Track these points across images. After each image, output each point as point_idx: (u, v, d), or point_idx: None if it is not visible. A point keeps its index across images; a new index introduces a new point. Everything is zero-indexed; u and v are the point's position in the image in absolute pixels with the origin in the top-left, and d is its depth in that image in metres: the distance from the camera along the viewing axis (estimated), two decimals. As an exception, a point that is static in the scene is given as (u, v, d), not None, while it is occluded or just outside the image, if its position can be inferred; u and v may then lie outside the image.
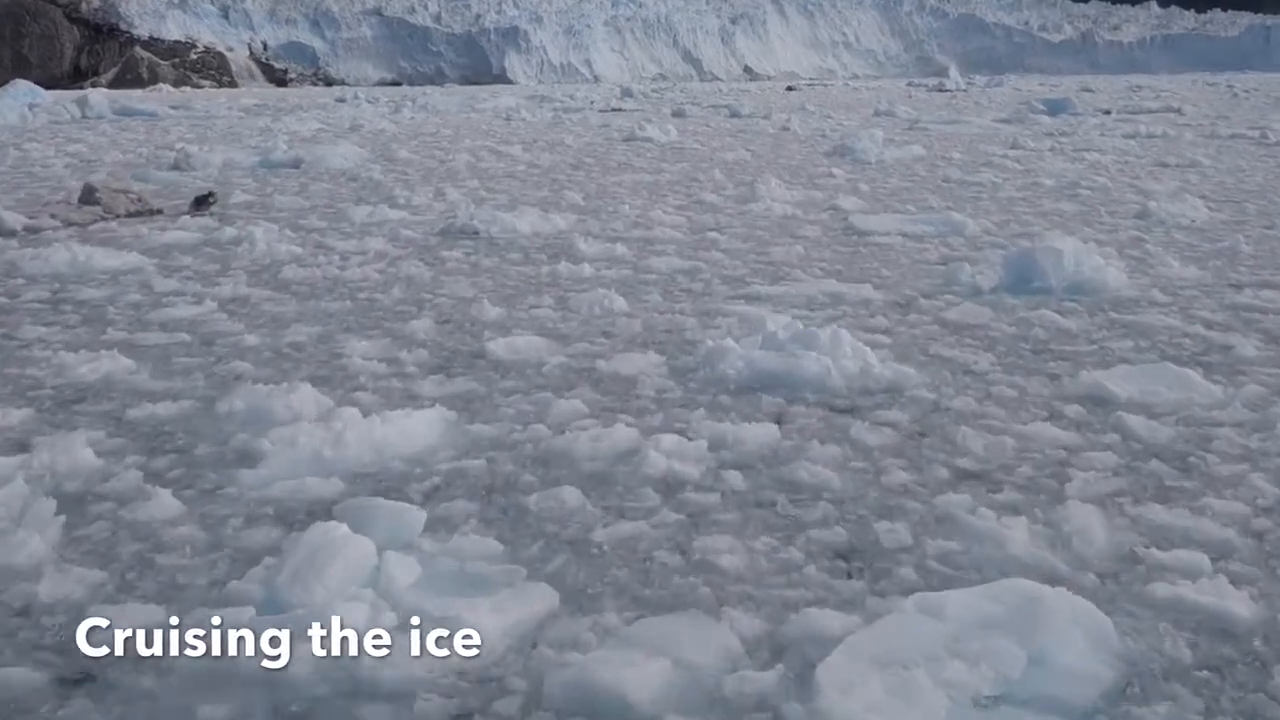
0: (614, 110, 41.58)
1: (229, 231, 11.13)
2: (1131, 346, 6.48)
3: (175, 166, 18.25)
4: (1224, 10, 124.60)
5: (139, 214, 13.09)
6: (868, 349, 5.93)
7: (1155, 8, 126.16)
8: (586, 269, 9.01)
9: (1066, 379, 5.74)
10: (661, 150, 20.36)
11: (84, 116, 38.64)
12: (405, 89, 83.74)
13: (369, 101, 48.41)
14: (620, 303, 7.69)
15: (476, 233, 11.08)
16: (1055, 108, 33.10)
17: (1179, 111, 33.92)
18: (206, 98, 63.36)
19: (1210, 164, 17.02)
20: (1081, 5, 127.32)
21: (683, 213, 12.59)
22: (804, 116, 33.30)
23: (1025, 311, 7.39)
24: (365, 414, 5.04)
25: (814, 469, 4.44)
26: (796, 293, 8.10)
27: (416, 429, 4.90)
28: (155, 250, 10.39)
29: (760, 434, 4.86)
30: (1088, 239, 10.27)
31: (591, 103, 46.61)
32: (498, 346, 6.47)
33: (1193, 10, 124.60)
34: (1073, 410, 5.22)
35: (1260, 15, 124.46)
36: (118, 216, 12.88)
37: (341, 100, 50.86)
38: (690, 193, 14.42)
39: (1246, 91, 51.39)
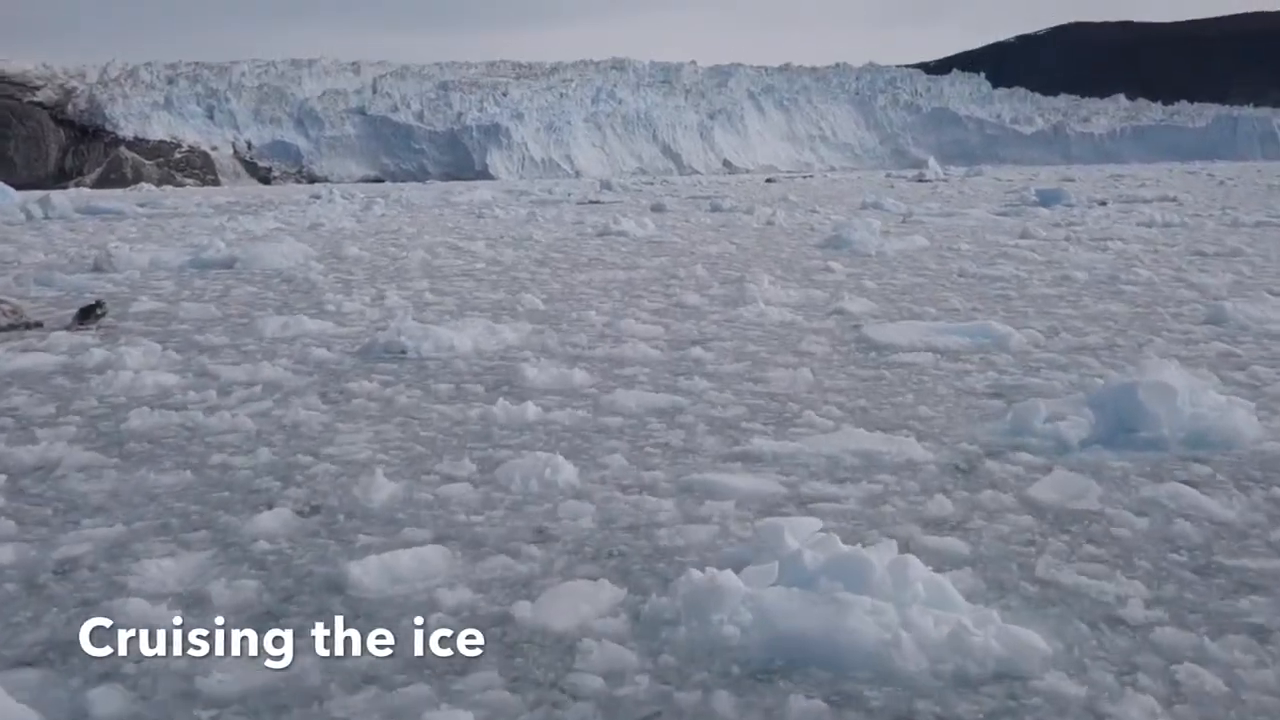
0: (592, 203, 39.88)
1: (98, 354, 8.79)
2: (1347, 558, 4.12)
3: (95, 268, 15.97)
4: (1191, 102, 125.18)
5: (11, 328, 10.74)
6: (950, 586, 3.57)
7: (1124, 100, 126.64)
8: (530, 411, 6.65)
9: (1293, 641, 3.38)
10: (637, 245, 18.17)
11: (45, 216, 36.45)
12: (386, 185, 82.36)
13: (344, 198, 46.43)
14: (568, 472, 5.33)
15: (404, 352, 8.76)
16: (1049, 199, 31.26)
17: (1176, 200, 32.20)
18: (181, 195, 61.57)
19: (1254, 252, 14.90)
20: (1052, 99, 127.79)
21: (660, 320, 10.33)
22: (788, 209, 31.40)
23: (1147, 485, 5.04)
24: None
25: None
26: (813, 450, 5.73)
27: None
28: (-8, 383, 8.02)
29: (798, 827, 2.46)
30: (1163, 352, 8.02)
31: (569, 195, 44.85)
32: (368, 571, 4.06)
33: (1160, 102, 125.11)
34: (1354, 732, 2.85)
35: (1226, 106, 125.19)
36: (-16, 333, 10.53)
37: (316, 197, 48.93)
38: (669, 293, 12.19)
39: (1229, 180, 50.05)
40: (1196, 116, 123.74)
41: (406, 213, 34.56)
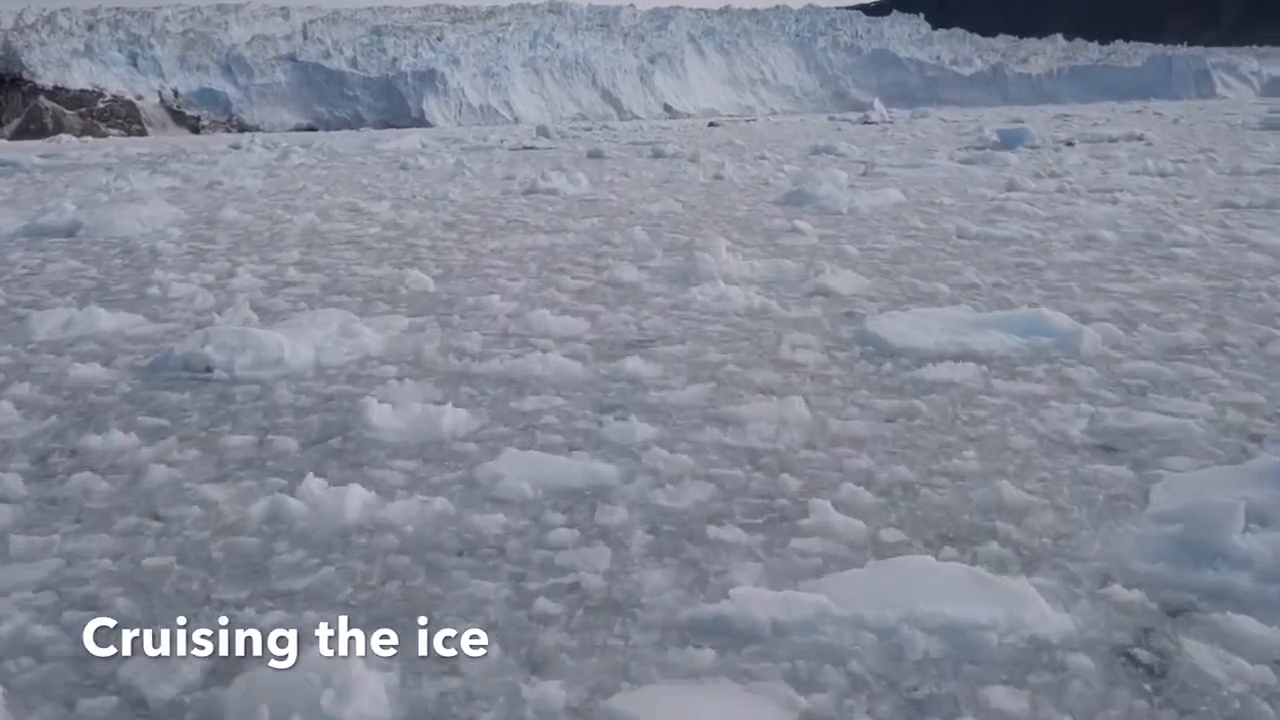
0: (526, 149, 36.88)
1: None
2: None
3: (-98, 239, 12.82)
4: (1126, 41, 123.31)
5: None
6: None
7: (1061, 40, 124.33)
8: (353, 502, 3.86)
9: None
10: (567, 204, 15.22)
11: (-77, 170, 32.73)
12: (316, 134, 78.09)
13: (264, 147, 42.73)
14: (366, 700, 2.57)
15: (208, 370, 5.90)
16: (1011, 140, 28.67)
17: (1144, 140, 29.87)
18: (93, 147, 57.32)
19: (1300, 205, 12.33)
20: (990, 39, 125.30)
21: (585, 307, 7.55)
22: (735, 155, 28.53)
23: None
24: None
25: None
26: (847, 612, 2.96)
27: None
28: None
29: None
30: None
31: (502, 141, 41.65)
32: None
33: (1096, 42, 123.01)
34: None
35: (1161, 46, 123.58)
36: None
37: (236, 147, 45.16)
38: (600, 265, 9.38)
39: (1181, 119, 47.86)
40: (1132, 56, 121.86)
41: (325, 163, 31.23)
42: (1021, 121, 50.65)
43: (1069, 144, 28.86)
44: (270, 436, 4.81)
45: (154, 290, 8.62)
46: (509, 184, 19.92)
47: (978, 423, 4.72)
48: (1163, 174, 17.07)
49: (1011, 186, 15.08)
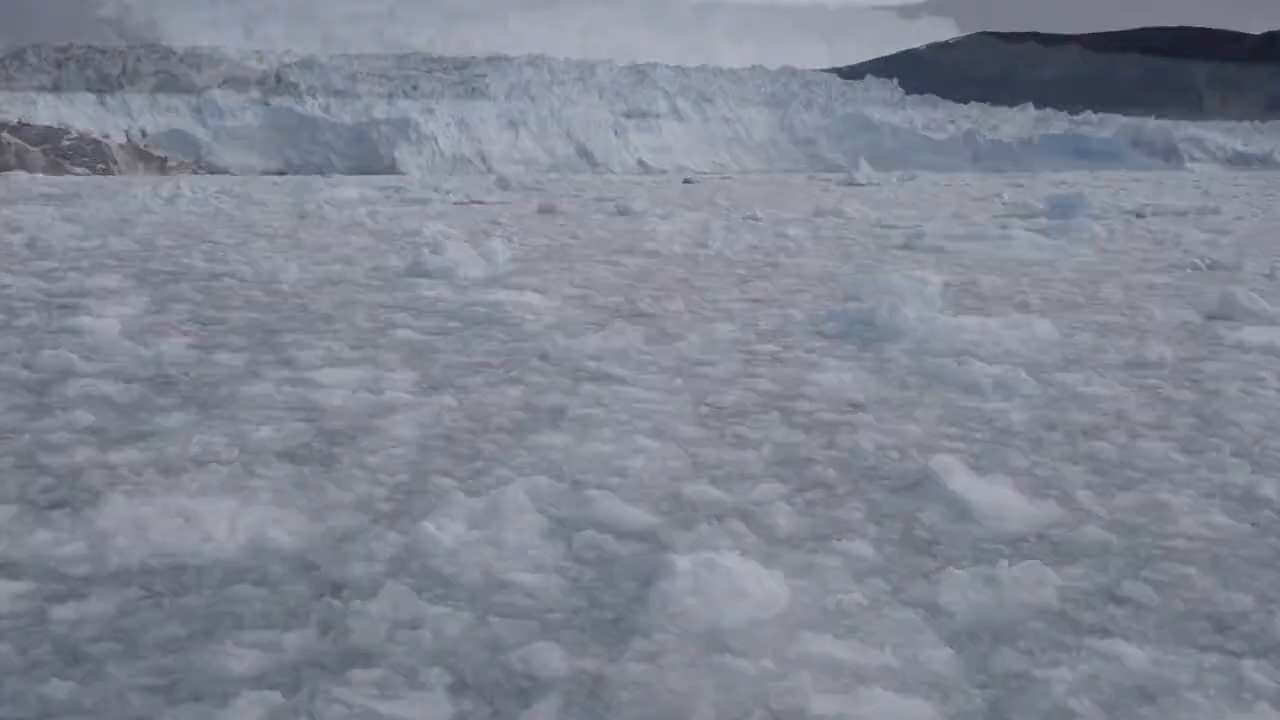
0: (473, 203, 29.77)
1: None
2: None
3: None
4: (1095, 112, 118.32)
5: None
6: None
7: (1032, 109, 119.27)
8: None
9: None
10: (442, 316, 7.80)
11: None
12: (269, 179, 70.71)
13: (154, 190, 35.29)
14: None
15: None
16: (1064, 209, 21.57)
17: (1216, 212, 23.13)
18: (45, 184, 49.27)
19: None
20: (962, 106, 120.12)
21: None
22: (720, 217, 21.19)
23: None
24: None
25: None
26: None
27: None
28: None
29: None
30: None
31: (449, 194, 34.37)
32: None
33: (1066, 112, 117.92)
34: None
35: (1130, 118, 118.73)
36: None
37: (159, 188, 37.73)
38: None
39: (1210, 190, 41.37)
40: (1101, 126, 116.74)
41: (213, 211, 23.87)
42: (1021, 185, 44.36)
43: (1139, 215, 21.96)
44: None
45: None
46: (397, 246, 12.70)
47: None
48: None
49: (1221, 309, 7.84)
